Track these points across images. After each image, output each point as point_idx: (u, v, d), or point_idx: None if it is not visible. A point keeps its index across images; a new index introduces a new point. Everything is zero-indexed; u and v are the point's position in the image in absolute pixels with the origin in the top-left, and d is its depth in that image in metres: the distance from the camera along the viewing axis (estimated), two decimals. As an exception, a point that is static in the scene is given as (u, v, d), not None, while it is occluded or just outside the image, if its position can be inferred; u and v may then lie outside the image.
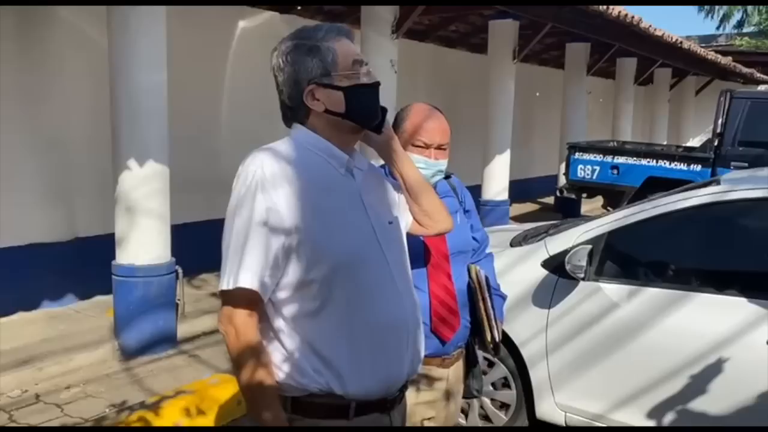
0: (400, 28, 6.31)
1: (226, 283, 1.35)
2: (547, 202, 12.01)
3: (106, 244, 4.63)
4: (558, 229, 3.49)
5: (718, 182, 3.13)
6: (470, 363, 2.23)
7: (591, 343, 2.99)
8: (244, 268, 1.33)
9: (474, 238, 2.19)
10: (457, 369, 2.15)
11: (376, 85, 1.50)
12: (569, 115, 10.72)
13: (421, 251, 1.98)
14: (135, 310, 4.43)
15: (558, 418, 3.11)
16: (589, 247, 2.97)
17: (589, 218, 3.55)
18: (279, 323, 1.40)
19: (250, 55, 6.49)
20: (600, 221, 3.17)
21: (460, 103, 10.19)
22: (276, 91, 1.50)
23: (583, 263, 2.92)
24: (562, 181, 9.47)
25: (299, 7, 7.08)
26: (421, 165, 1.93)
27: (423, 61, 9.57)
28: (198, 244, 4.46)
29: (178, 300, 4.77)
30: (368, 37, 6.31)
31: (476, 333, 2.12)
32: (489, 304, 2.06)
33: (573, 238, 3.14)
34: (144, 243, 4.42)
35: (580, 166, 8.70)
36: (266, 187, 1.35)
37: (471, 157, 8.67)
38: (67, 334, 4.71)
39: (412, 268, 1.89)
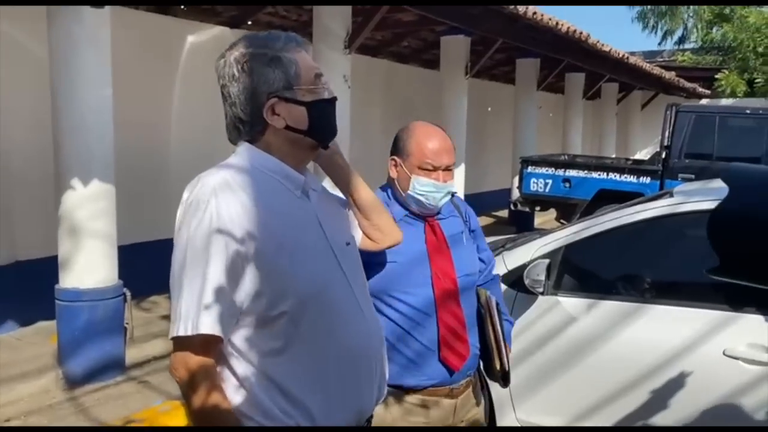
0: (352, 44, 6.27)
1: (184, 329, 1.21)
2: (501, 215, 12.11)
3: (49, 267, 4.42)
4: (515, 243, 3.47)
5: (671, 194, 3.17)
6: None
7: (550, 357, 2.97)
8: (203, 310, 1.20)
9: (480, 260, 2.10)
10: (465, 399, 2.02)
11: (335, 100, 1.43)
12: (520, 130, 10.86)
13: (428, 275, 1.89)
14: (80, 336, 4.23)
15: (519, 434, 3.07)
16: (547, 261, 2.96)
17: (544, 231, 3.55)
18: (240, 364, 1.28)
19: (200, 70, 6.36)
20: (557, 234, 3.16)
21: (413, 119, 9.97)
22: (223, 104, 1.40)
23: (542, 278, 2.90)
24: (516, 194, 9.57)
25: (249, 22, 6.99)
26: (431, 188, 1.88)
27: (376, 77, 9.57)
28: (147, 265, 4.28)
29: (127, 324, 4.57)
30: (321, 53, 6.24)
31: (484, 360, 2.02)
32: (499, 330, 1.96)
33: (531, 252, 3.12)
34: (89, 265, 4.23)
35: (533, 179, 8.80)
36: (222, 218, 1.23)
37: (426, 172, 8.66)
38: (7, 363, 4.46)
39: (419, 293, 1.86)
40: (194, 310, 1.21)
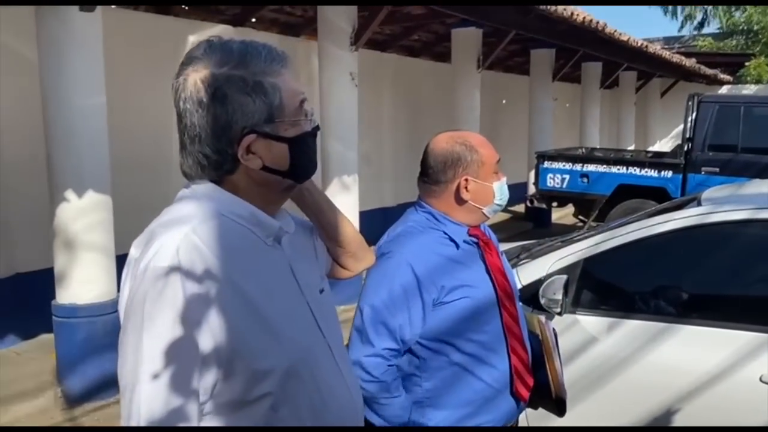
0: (359, 39, 6.04)
1: (137, 421, 0.99)
2: (518, 210, 11.85)
3: (50, 278, 4.27)
4: (530, 254, 3.24)
5: (698, 202, 2.92)
6: None
7: (569, 381, 2.75)
8: (168, 399, 0.99)
9: None
10: None
11: (317, 129, 1.20)
12: (536, 122, 10.59)
13: (495, 303, 1.74)
14: (79, 353, 4.08)
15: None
16: (565, 277, 2.73)
17: (561, 239, 3.33)
18: None
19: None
20: (575, 247, 2.93)
21: (425, 114, 9.98)
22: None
23: (559, 296, 2.67)
24: (532, 190, 9.32)
25: (253, 20, 6.79)
26: (506, 188, 1.79)
27: (385, 72, 9.33)
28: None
29: (127, 338, 4.43)
30: (326, 50, 6.03)
31: (535, 388, 1.86)
32: (558, 360, 1.84)
33: (546, 266, 2.89)
34: (86, 280, 4.07)
35: (550, 175, 8.54)
36: (186, 295, 1.00)
37: (438, 169, 8.45)
38: (6, 381, 4.32)
39: (491, 326, 1.71)
40: (154, 397, 0.99)
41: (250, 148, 1.09)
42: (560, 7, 7.06)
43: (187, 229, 1.04)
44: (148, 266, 1.01)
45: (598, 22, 8.15)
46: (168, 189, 5.90)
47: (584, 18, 7.75)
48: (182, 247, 1.01)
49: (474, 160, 1.74)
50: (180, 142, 1.13)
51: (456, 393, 1.72)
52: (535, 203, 8.98)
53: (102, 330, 4.11)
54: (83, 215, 4.02)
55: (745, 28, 16.17)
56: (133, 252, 1.07)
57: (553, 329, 1.85)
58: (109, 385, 4.18)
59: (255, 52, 1.10)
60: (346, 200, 6.12)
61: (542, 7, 6.63)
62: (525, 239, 3.96)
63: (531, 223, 10.17)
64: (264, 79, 1.08)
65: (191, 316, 0.99)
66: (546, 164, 8.59)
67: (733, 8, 17.00)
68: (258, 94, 1.08)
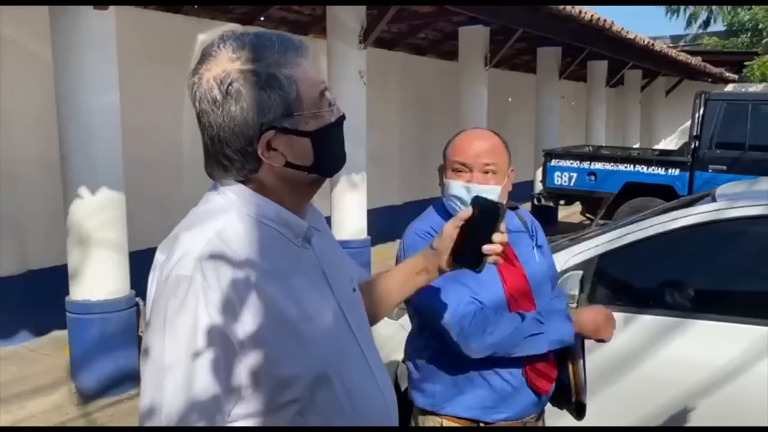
0: (368, 38, 6.06)
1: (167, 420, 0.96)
2: (525, 208, 11.85)
3: (62, 275, 4.30)
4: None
5: (712, 198, 2.93)
6: None
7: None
8: (192, 408, 0.96)
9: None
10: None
11: (343, 119, 1.13)
12: (543, 120, 10.59)
13: (503, 300, 1.71)
14: (92, 350, 4.10)
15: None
16: (580, 272, 2.74)
17: (574, 236, 3.34)
18: None
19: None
20: (589, 243, 2.95)
21: (432, 112, 9.98)
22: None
23: (575, 291, 2.67)
24: (539, 188, 9.33)
25: (262, 18, 6.81)
26: (460, 192, 1.65)
27: (393, 71, 9.34)
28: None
29: (141, 334, 4.46)
30: (335, 48, 6.05)
31: (557, 388, 1.82)
32: (581, 361, 1.76)
33: (561, 262, 2.90)
34: (100, 276, 4.10)
35: (557, 173, 8.55)
36: (210, 305, 0.96)
37: (445, 167, 8.46)
38: (20, 377, 4.36)
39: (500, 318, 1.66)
40: (180, 405, 0.96)
41: (270, 144, 1.04)
42: (568, 6, 7.07)
43: (210, 234, 1.01)
44: (171, 274, 0.98)
45: (605, 21, 8.15)
46: (181, 186, 5.97)
47: (592, 16, 7.75)
48: (205, 254, 0.98)
49: (444, 153, 1.75)
50: (203, 143, 1.09)
51: (464, 395, 1.73)
52: (542, 201, 8.99)
53: (116, 326, 4.14)
54: (97, 212, 4.05)
55: (750, 26, 16.13)
56: (159, 256, 1.04)
57: (578, 333, 1.77)
58: (122, 380, 4.21)
59: (268, 43, 1.04)
60: (354, 199, 6.15)
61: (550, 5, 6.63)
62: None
63: (538, 221, 10.17)
64: (278, 71, 1.03)
65: (212, 325, 0.96)
66: (554, 162, 8.60)
67: (738, 7, 16.98)
68: (273, 88, 1.02)
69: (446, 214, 1.72)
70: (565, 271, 2.79)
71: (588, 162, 8.43)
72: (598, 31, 8.35)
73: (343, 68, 6.00)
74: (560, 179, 8.53)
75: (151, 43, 5.93)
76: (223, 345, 0.97)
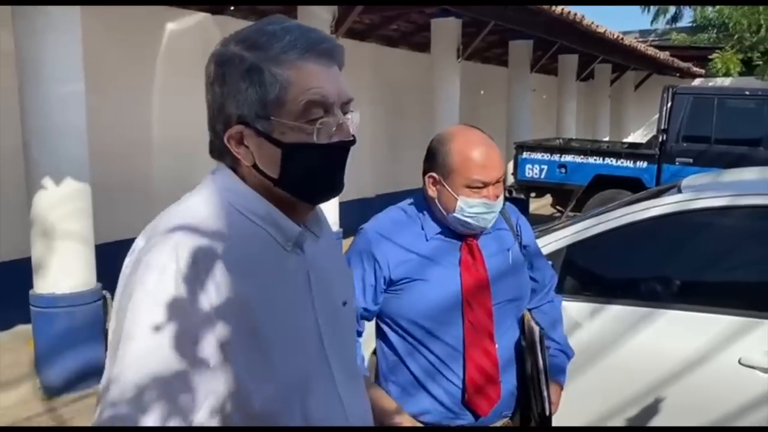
0: (339, 28, 6.02)
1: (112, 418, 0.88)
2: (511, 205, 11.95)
3: (26, 268, 4.20)
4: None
5: (678, 189, 2.97)
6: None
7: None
8: (153, 381, 0.89)
9: (533, 279, 1.81)
10: None
11: (342, 146, 1.00)
12: (514, 113, 10.66)
13: (458, 308, 1.62)
14: (58, 344, 4.03)
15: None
16: (549, 264, 2.76)
17: (544, 227, 3.36)
18: None
19: (181, 59, 6.10)
20: (557, 234, 2.97)
21: (404, 104, 9.98)
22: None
23: (544, 282, 2.71)
24: (510, 180, 9.40)
25: (232, 8, 6.71)
26: (482, 210, 1.58)
27: (364, 62, 9.30)
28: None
29: (108, 328, 4.38)
30: (307, 39, 6.00)
31: (522, 399, 1.72)
32: (540, 367, 1.62)
33: (530, 253, 2.93)
34: (65, 269, 4.02)
35: (528, 165, 8.63)
36: (179, 280, 0.90)
37: (416, 159, 8.41)
38: (-17, 373, 4.26)
39: (447, 326, 1.61)
40: (134, 377, 0.88)
41: (243, 140, 0.97)
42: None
43: (190, 221, 0.95)
44: (142, 258, 0.93)
45: (575, 15, 8.23)
46: (150, 177, 5.86)
47: (562, 10, 7.82)
48: (182, 244, 0.92)
49: (444, 162, 1.62)
50: None
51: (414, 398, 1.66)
52: (514, 194, 9.05)
53: (82, 319, 4.07)
54: (61, 203, 3.97)
55: (717, 23, 16.40)
56: (139, 242, 0.98)
57: (541, 334, 1.66)
58: (88, 375, 4.13)
59: (280, 35, 0.95)
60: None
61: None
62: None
63: (509, 213, 10.26)
64: (267, 66, 0.94)
65: (179, 305, 0.90)
66: (525, 155, 8.68)
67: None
68: (253, 83, 0.94)
69: (431, 218, 1.68)
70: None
71: (558, 155, 8.52)
72: (569, 24, 8.43)
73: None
74: (531, 172, 8.61)
75: (117, 32, 5.81)
76: (188, 324, 0.90)
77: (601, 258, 2.97)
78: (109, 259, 4.45)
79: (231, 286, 0.93)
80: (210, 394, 0.92)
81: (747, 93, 8.14)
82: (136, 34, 6.00)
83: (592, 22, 9.01)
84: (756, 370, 2.39)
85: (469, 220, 1.61)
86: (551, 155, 8.55)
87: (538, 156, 8.63)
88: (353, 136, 1.02)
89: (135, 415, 0.88)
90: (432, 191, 1.66)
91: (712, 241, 2.79)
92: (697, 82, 15.69)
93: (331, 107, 0.97)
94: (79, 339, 4.05)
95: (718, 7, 15.50)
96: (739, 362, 2.41)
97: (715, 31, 16.15)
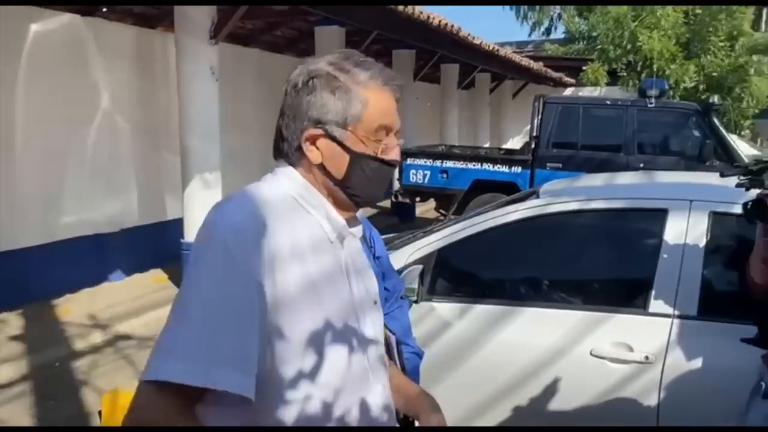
0: (219, 33, 5.92)
1: (192, 377, 0.99)
2: (383, 206, 12.14)
3: None
4: (391, 246, 3.38)
5: (537, 194, 3.18)
6: None
7: (428, 364, 2.90)
8: (219, 359, 1.01)
9: (385, 288, 1.87)
10: None
11: (394, 164, 1.22)
12: (400, 120, 10.86)
13: None
14: None
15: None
16: (421, 266, 2.88)
17: (422, 231, 3.49)
18: None
19: (48, 62, 5.78)
20: (431, 238, 3.10)
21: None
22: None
23: (415, 285, 2.82)
24: (396, 185, 9.61)
25: (104, 9, 6.43)
26: None
27: (248, 67, 9.19)
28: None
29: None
30: (183, 43, 5.87)
31: None
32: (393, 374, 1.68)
33: (405, 257, 3.03)
34: None
35: (412, 171, 8.87)
36: (230, 277, 1.04)
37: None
38: None
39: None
40: (207, 353, 1.01)
41: (315, 140, 1.15)
42: (417, 10, 7.32)
43: (251, 204, 1.10)
44: (205, 230, 1.08)
45: (453, 26, 8.54)
46: (14, 183, 5.49)
47: (440, 21, 8.10)
48: (238, 226, 1.06)
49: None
50: (276, 127, 1.22)
51: None
52: (400, 198, 9.29)
53: None
54: None
55: (586, 35, 17.56)
56: (207, 216, 1.11)
57: (396, 340, 1.75)
58: None
59: (365, 66, 1.17)
60: (208, 197, 5.99)
61: (399, 8, 6.84)
62: (391, 233, 4.10)
63: (396, 217, 10.47)
64: (355, 87, 1.14)
65: (240, 281, 1.04)
66: (409, 161, 8.90)
67: (576, 16, 18.42)
68: (341, 97, 1.14)
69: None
70: (407, 266, 2.92)
71: (440, 160, 8.81)
72: (447, 35, 8.73)
73: (193, 64, 5.84)
74: (415, 177, 8.85)
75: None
76: (247, 299, 1.04)
77: (469, 260, 3.13)
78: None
79: (282, 268, 1.07)
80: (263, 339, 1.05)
81: (608, 102, 8.81)
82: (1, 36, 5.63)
83: (469, 34, 9.39)
84: (605, 360, 2.61)
85: None
86: (434, 161, 8.83)
87: (422, 162, 8.88)
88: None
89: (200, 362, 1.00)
90: None
91: (565, 243, 3.02)
92: (568, 91, 16.72)
93: (391, 132, 1.20)
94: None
95: (589, 19, 16.63)
96: (591, 353, 2.63)
97: (584, 43, 17.31)
